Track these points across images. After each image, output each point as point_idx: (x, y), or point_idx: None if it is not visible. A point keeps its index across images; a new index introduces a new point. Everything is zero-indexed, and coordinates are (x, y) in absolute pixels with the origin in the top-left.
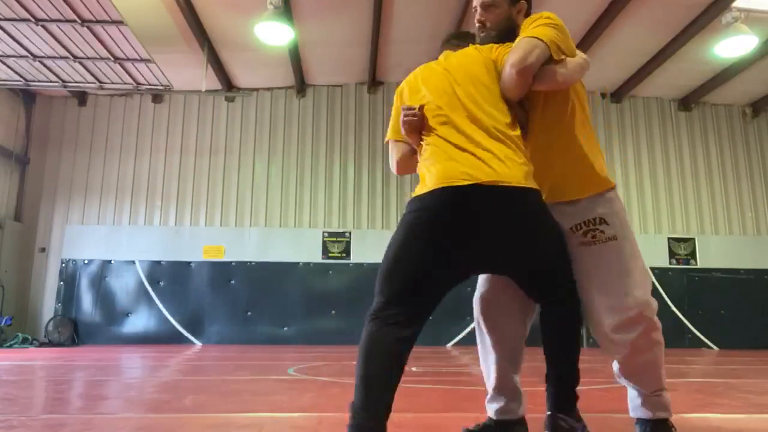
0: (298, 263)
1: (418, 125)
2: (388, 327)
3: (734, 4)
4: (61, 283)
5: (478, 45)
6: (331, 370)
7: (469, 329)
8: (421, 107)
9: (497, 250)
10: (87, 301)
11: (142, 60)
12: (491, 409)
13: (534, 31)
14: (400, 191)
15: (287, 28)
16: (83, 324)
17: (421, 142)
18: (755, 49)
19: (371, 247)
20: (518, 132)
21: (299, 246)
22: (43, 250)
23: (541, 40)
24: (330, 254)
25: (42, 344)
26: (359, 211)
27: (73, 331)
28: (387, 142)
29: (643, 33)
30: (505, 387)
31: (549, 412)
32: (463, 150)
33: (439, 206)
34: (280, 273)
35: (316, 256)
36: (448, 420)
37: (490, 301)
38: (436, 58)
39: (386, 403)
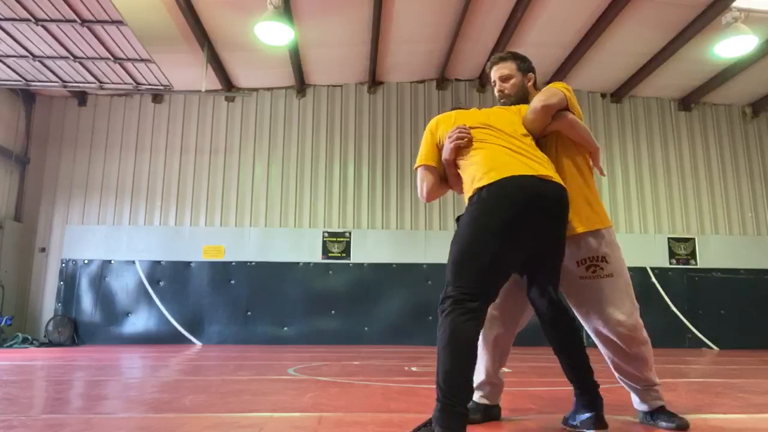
0: (298, 263)
1: (464, 145)
2: (471, 322)
3: (734, 4)
4: (61, 283)
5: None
6: (331, 370)
7: None
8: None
9: (550, 236)
10: (87, 301)
11: (142, 60)
12: (477, 395)
13: (555, 85)
14: (400, 191)
15: (287, 28)
16: (83, 324)
17: (460, 160)
18: (755, 49)
19: (371, 247)
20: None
21: (299, 246)
22: (43, 250)
23: (561, 90)
24: (330, 254)
25: (42, 344)
26: (359, 211)
27: (73, 331)
28: (416, 169)
29: (643, 33)
30: (491, 381)
31: (593, 413)
32: (516, 153)
33: (507, 192)
34: (280, 273)
35: (316, 256)
36: None
37: (497, 318)
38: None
39: (471, 386)
